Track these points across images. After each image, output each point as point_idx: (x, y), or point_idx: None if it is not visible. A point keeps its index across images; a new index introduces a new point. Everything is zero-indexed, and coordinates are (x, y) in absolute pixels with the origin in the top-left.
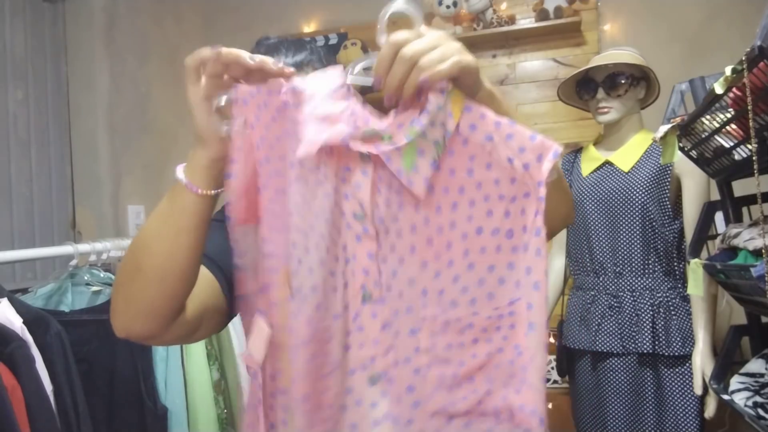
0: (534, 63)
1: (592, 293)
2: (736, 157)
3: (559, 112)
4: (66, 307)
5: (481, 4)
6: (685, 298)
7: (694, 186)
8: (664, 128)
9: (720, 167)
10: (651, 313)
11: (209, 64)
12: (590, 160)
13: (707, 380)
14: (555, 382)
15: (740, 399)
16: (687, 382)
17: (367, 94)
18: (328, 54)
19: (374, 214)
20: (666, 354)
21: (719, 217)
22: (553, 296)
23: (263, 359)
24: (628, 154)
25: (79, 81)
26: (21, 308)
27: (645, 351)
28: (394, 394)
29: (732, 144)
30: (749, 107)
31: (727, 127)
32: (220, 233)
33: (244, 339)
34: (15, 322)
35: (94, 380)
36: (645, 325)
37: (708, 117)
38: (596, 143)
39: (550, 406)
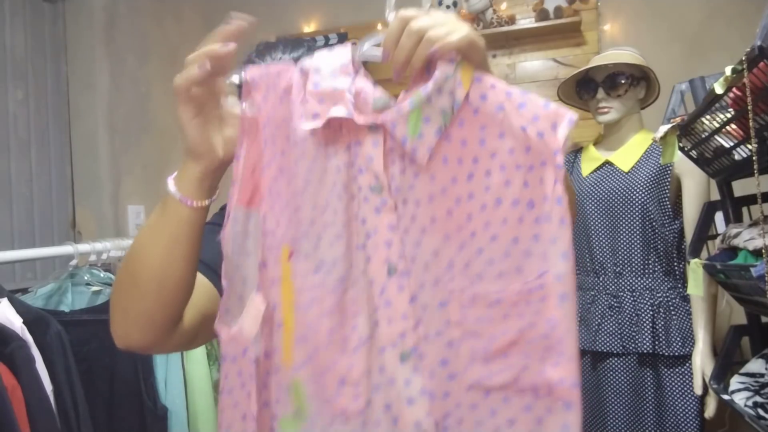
0: (534, 63)
1: (592, 293)
2: (736, 157)
3: None
4: (66, 307)
5: (481, 4)
6: (685, 298)
7: (694, 186)
8: (664, 128)
9: (720, 167)
10: (651, 313)
11: (200, 75)
12: (590, 160)
13: (707, 380)
14: None
15: (740, 399)
16: (687, 382)
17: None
18: None
19: (390, 185)
20: (666, 354)
21: (719, 217)
22: None
23: (254, 336)
24: (628, 154)
25: (79, 81)
26: (21, 308)
27: (645, 351)
28: (426, 369)
29: (732, 144)
30: (749, 107)
31: (727, 127)
32: (215, 238)
33: None
34: (15, 322)
35: (94, 380)
36: (645, 325)
37: (708, 117)
38: (596, 143)
39: None
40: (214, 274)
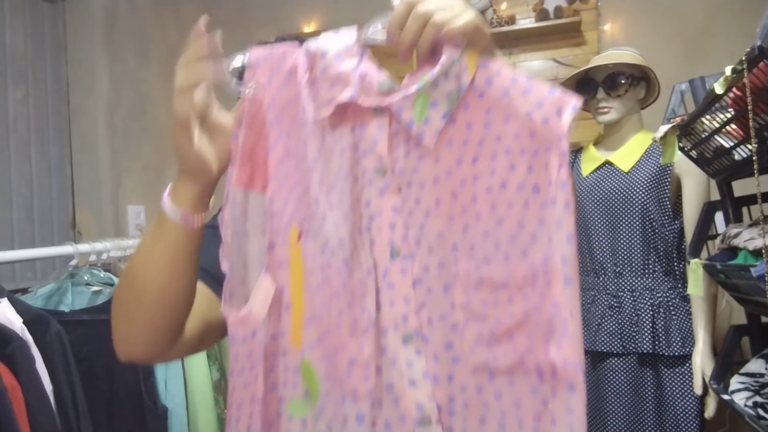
0: (534, 63)
1: (592, 293)
2: (736, 157)
3: None
4: (66, 307)
5: (481, 4)
6: (685, 298)
7: (694, 186)
8: (664, 128)
9: (720, 167)
10: (651, 313)
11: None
12: (590, 160)
13: (707, 380)
14: None
15: (740, 399)
16: (687, 382)
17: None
18: None
19: (395, 168)
20: (666, 354)
21: (719, 217)
22: None
23: (263, 318)
24: (628, 154)
25: (79, 81)
26: (21, 308)
27: (645, 351)
28: (430, 352)
29: (732, 144)
30: (749, 107)
31: (727, 127)
32: (214, 242)
33: None
34: (15, 322)
35: (94, 380)
36: (645, 325)
37: (708, 117)
38: (596, 143)
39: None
40: (213, 279)
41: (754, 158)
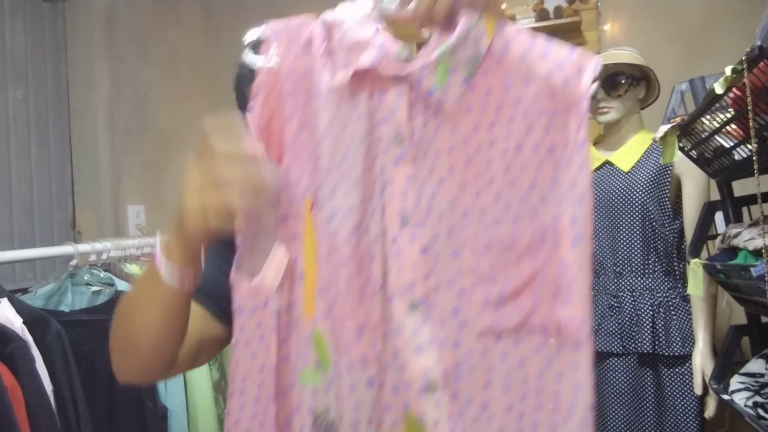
0: None
1: (592, 293)
2: (736, 157)
3: None
4: (66, 307)
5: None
6: (685, 298)
7: (694, 186)
8: (664, 128)
9: (720, 167)
10: (651, 313)
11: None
12: (590, 160)
13: (707, 380)
14: None
15: (740, 399)
16: (687, 382)
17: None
18: None
19: (412, 136)
20: (666, 354)
21: (719, 217)
22: None
23: (276, 288)
24: (628, 154)
25: (79, 81)
26: (21, 308)
27: (645, 351)
28: (436, 318)
29: (732, 144)
30: (749, 107)
31: (727, 127)
32: (207, 258)
33: None
34: (15, 322)
35: (94, 380)
36: (645, 325)
37: (708, 117)
38: (596, 143)
39: None
40: (207, 297)
41: (754, 158)
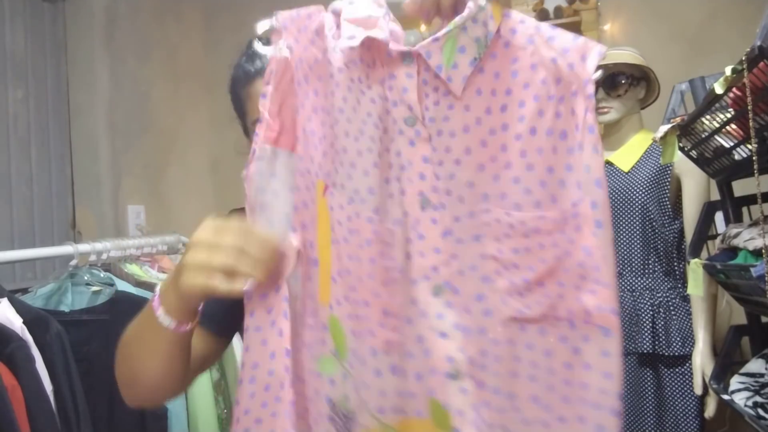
0: None
1: None
2: (736, 157)
3: None
4: (66, 307)
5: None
6: (685, 298)
7: (694, 186)
8: (664, 128)
9: (720, 167)
10: (651, 313)
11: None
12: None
13: (707, 380)
14: None
15: (740, 399)
16: (687, 382)
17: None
18: None
19: (425, 117)
20: (666, 354)
21: (719, 217)
22: None
23: (287, 274)
24: (628, 154)
25: (79, 81)
26: (21, 308)
27: (645, 351)
28: (460, 304)
29: (732, 144)
30: (749, 107)
31: (727, 127)
32: None
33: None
34: (15, 322)
35: (94, 380)
36: (645, 325)
37: (708, 117)
38: None
39: None
40: (206, 319)
41: (754, 158)
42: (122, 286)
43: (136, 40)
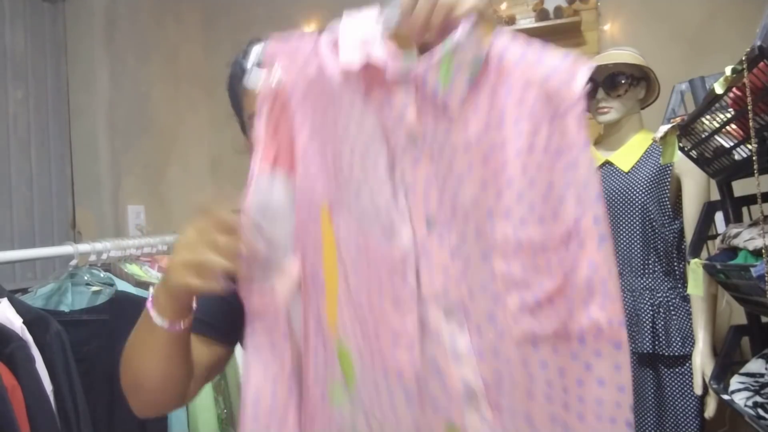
0: None
1: None
2: (736, 157)
3: None
4: (66, 307)
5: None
6: (685, 298)
7: (694, 186)
8: (664, 128)
9: (720, 167)
10: (651, 313)
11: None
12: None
13: (707, 380)
14: None
15: (740, 399)
16: (687, 382)
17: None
18: None
19: (426, 136)
20: (666, 354)
21: (719, 217)
22: None
23: (288, 298)
24: (628, 154)
25: (79, 81)
26: (21, 308)
27: (645, 351)
28: (473, 325)
29: (732, 144)
30: (749, 107)
31: (727, 127)
32: None
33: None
34: (15, 322)
35: (94, 380)
36: (645, 325)
37: (708, 117)
38: (596, 143)
39: None
40: (205, 326)
41: (754, 158)
42: (122, 286)
43: (136, 41)
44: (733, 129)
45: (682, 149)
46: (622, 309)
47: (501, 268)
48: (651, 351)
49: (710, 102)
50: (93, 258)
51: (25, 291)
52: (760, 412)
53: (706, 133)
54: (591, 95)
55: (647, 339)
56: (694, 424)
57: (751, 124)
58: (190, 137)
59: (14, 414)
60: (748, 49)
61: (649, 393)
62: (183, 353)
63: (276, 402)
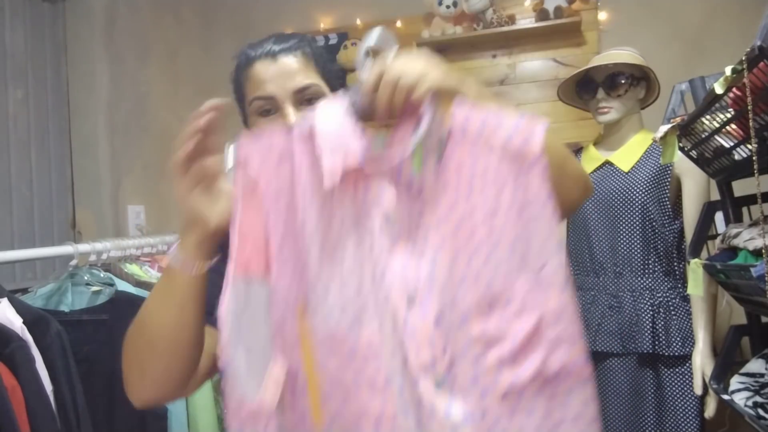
0: (534, 63)
1: (592, 293)
2: (736, 157)
3: (559, 112)
4: (66, 307)
5: (481, 4)
6: (685, 298)
7: (694, 186)
8: (664, 128)
9: (720, 167)
10: (651, 313)
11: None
12: (590, 160)
13: (707, 380)
14: None
15: (740, 399)
16: (687, 382)
17: (366, 118)
18: (328, 53)
19: (401, 218)
20: (666, 354)
21: (719, 217)
22: None
23: (275, 405)
24: (628, 154)
25: (79, 81)
26: (21, 308)
27: (645, 351)
28: (460, 391)
29: (732, 144)
30: (749, 107)
31: (727, 127)
32: (218, 285)
33: None
34: (15, 322)
35: (94, 380)
36: (645, 325)
37: (708, 117)
38: (596, 143)
39: None
40: (212, 317)
41: (754, 158)
42: (122, 286)
43: (136, 41)
44: (733, 129)
45: (682, 149)
46: (584, 347)
47: (477, 330)
48: (651, 351)
49: (710, 102)
50: (93, 258)
51: (25, 291)
52: (760, 412)
53: (706, 133)
54: (591, 95)
55: (647, 339)
56: (694, 424)
57: (751, 124)
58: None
59: (14, 414)
60: (748, 49)
61: (649, 393)
62: (196, 304)
63: None
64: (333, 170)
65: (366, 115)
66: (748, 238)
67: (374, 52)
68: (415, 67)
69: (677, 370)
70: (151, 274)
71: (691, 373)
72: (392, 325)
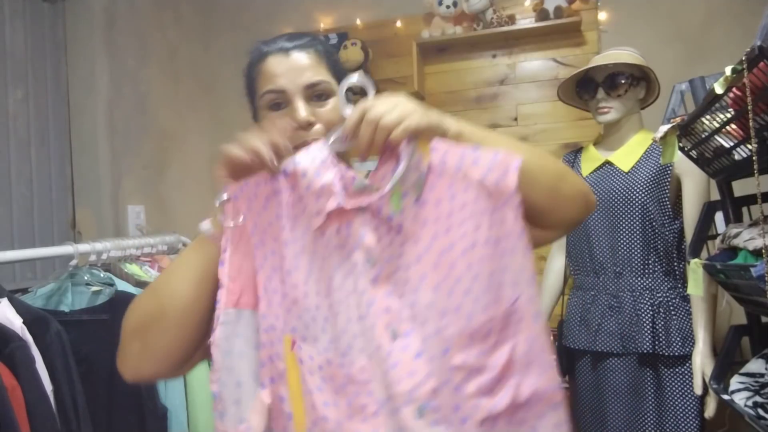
0: (534, 63)
1: (592, 293)
2: (736, 157)
3: (559, 112)
4: (66, 307)
5: (481, 4)
6: (685, 298)
7: (694, 186)
8: (664, 128)
9: (720, 167)
10: (651, 313)
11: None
12: (590, 160)
13: (707, 380)
14: None
15: (740, 399)
16: (687, 382)
17: (347, 156)
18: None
19: (382, 256)
20: (666, 354)
21: (719, 217)
22: (552, 296)
23: (263, 428)
24: (628, 154)
25: (79, 81)
26: (21, 308)
27: (645, 351)
28: (441, 420)
29: (732, 144)
30: (749, 107)
31: (727, 127)
32: None
33: None
34: (15, 322)
35: (94, 380)
36: (645, 325)
37: (708, 117)
38: (596, 143)
39: None
40: None
41: (754, 158)
42: (122, 286)
43: (136, 40)
44: (733, 129)
45: (682, 149)
46: (557, 373)
47: (458, 360)
48: (651, 351)
49: (710, 102)
50: (93, 258)
51: (25, 291)
52: (760, 412)
53: (706, 133)
54: (591, 95)
55: (647, 339)
56: (694, 424)
57: (751, 124)
58: (190, 137)
59: (14, 414)
60: (748, 49)
61: (649, 393)
62: (212, 286)
63: None
64: (318, 211)
65: (348, 153)
66: (748, 238)
67: (354, 93)
68: (395, 108)
69: (677, 370)
70: (151, 274)
71: (691, 373)
72: (378, 357)
